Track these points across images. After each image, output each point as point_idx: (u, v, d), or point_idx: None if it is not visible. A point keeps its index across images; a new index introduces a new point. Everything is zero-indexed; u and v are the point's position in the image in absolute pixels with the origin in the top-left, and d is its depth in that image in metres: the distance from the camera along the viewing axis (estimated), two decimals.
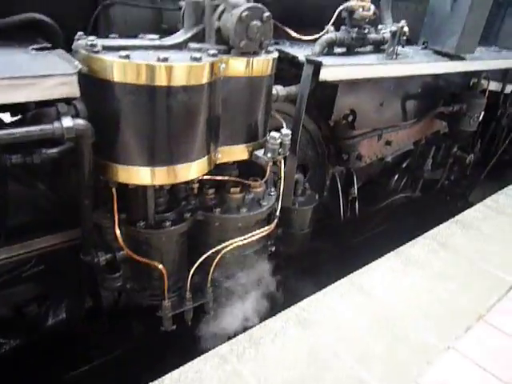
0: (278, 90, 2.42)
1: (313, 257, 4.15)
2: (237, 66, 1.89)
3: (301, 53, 2.56)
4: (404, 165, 5.33)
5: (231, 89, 1.94)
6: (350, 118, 3.67)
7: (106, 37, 1.96)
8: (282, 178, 2.46)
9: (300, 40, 2.73)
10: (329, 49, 2.65)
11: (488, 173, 6.12)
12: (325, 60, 2.35)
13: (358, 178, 4.65)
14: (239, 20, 1.76)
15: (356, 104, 3.49)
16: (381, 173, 5.17)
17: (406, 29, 2.73)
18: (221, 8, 1.85)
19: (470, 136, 5.25)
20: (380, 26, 2.93)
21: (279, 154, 2.15)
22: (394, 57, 2.79)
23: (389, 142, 4.45)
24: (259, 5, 1.82)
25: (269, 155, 2.10)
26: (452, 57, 3.17)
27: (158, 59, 1.59)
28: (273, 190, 2.51)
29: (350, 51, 2.77)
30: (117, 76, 1.60)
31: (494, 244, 3.59)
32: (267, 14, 1.82)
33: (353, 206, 4.70)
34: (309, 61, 2.37)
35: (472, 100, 4.45)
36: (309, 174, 4.05)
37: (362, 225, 4.98)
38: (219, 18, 1.85)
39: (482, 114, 4.67)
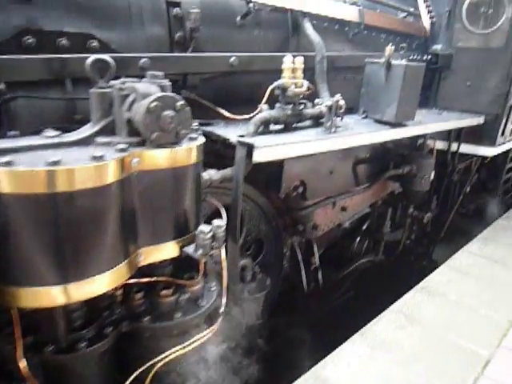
0: (212, 174, 2.23)
1: (273, 341, 3.79)
2: (153, 158, 1.69)
3: (235, 133, 2.42)
4: (364, 227, 5.23)
5: (149, 183, 1.72)
6: (301, 189, 3.54)
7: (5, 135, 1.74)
8: (224, 270, 2.20)
9: (235, 119, 2.62)
10: (264, 127, 2.53)
11: (448, 228, 6.10)
12: (257, 141, 2.21)
13: (318, 245, 4.46)
14: (148, 111, 1.58)
15: (305, 175, 3.37)
16: (342, 237, 5.03)
17: (341, 102, 2.68)
18: (131, 98, 1.67)
19: (425, 195, 5.24)
20: (317, 100, 2.87)
21: (213, 248, 1.91)
22: (333, 130, 2.71)
23: (344, 208, 4.34)
24: (171, 94, 1.66)
25: (200, 252, 1.85)
26: (393, 125, 3.14)
27: (47, 163, 1.35)
28: (214, 284, 2.23)
29: (288, 128, 2.66)
30: None
31: (461, 312, 3.38)
32: (181, 102, 1.66)
33: (316, 276, 4.46)
34: (241, 143, 2.22)
35: (421, 161, 4.47)
36: (265, 248, 3.82)
37: (326, 295, 4.71)
38: (129, 108, 1.67)
39: (433, 173, 4.70)
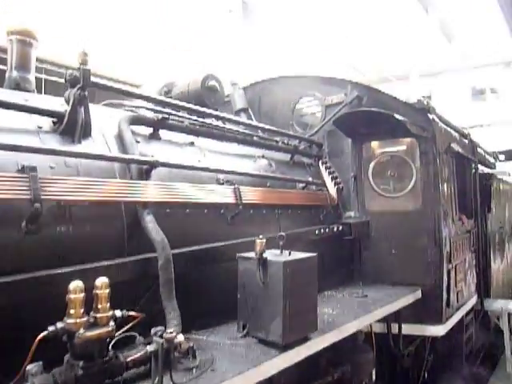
0: None
1: None
2: None
3: None
4: None
5: None
6: None
7: None
8: None
9: None
10: None
11: None
12: None
13: None
14: None
15: None
16: None
17: (179, 338, 1.69)
18: None
19: None
20: (154, 330, 1.87)
21: None
22: None
23: None
24: None
25: None
26: (283, 347, 2.14)
27: None
28: None
29: None
30: None
31: None
32: None
33: None
34: None
35: (356, 358, 3.41)
36: None
37: None
38: None
39: (374, 372, 3.60)
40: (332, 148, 4.41)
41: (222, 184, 2.91)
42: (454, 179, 4.71)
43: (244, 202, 2.90)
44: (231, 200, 2.81)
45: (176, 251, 2.30)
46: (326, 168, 4.19)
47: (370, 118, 3.95)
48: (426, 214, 4.07)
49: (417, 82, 19.00)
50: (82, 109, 2.29)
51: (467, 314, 5.22)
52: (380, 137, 4.22)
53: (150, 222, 2.20)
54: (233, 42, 17.39)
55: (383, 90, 4.42)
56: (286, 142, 4.22)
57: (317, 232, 3.54)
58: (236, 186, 2.87)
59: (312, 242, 3.58)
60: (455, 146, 4.68)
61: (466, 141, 5.58)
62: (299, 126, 4.75)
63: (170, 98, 3.91)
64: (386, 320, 3.91)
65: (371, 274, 4.07)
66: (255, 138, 3.75)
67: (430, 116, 4.14)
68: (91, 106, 2.66)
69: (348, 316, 2.90)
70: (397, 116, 3.67)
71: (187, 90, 3.74)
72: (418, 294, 3.92)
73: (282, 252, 2.29)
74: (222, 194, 2.76)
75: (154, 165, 2.38)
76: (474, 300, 5.39)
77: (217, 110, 4.73)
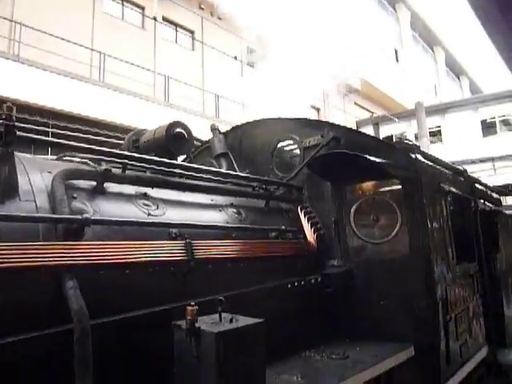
0: None
1: None
2: None
3: None
4: None
5: None
6: None
7: None
8: None
9: None
10: None
11: None
12: None
13: None
14: None
15: None
16: None
17: None
18: None
19: None
20: None
21: None
22: None
23: None
24: None
25: None
26: None
27: None
28: None
29: None
30: None
31: None
32: None
33: None
34: None
35: None
36: None
37: None
38: None
39: None
40: (312, 192, 4.18)
41: (175, 238, 2.70)
42: (448, 220, 4.38)
43: (197, 257, 2.66)
44: (181, 256, 2.58)
45: (105, 319, 2.06)
46: (306, 213, 3.94)
47: (347, 160, 3.74)
48: (415, 260, 3.73)
49: (424, 119, 18.88)
50: (7, 167, 2.15)
51: (477, 368, 4.71)
52: (361, 179, 3.98)
53: (70, 288, 1.97)
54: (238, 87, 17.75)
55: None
56: (264, 187, 4.03)
57: (289, 286, 3.24)
58: (187, 240, 2.65)
59: (287, 296, 3.28)
60: (446, 186, 4.38)
61: (462, 178, 5.28)
62: (280, 169, 4.55)
63: (137, 146, 3.79)
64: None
65: (357, 329, 3.69)
66: (223, 186, 3.56)
67: (413, 155, 3.90)
68: (31, 161, 2.54)
69: None
70: (370, 158, 3.44)
71: (153, 138, 3.62)
72: (411, 351, 3.52)
73: (220, 319, 2.02)
74: (170, 251, 2.53)
75: (83, 223, 2.19)
76: (483, 352, 4.89)
77: (189, 157, 4.61)
